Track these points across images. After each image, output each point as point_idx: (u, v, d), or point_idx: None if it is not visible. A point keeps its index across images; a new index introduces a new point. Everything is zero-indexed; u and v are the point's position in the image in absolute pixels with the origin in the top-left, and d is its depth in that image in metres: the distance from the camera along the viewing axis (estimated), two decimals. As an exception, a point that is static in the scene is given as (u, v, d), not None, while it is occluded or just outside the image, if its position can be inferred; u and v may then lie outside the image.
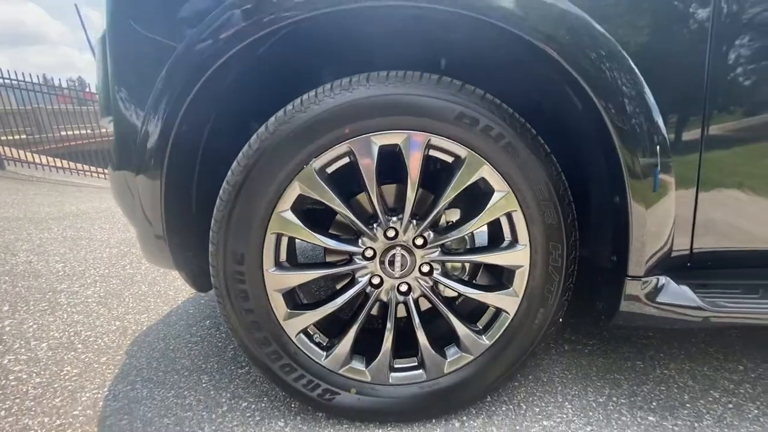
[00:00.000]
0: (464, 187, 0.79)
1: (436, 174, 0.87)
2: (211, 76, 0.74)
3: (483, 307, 0.89)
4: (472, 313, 0.93)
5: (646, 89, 0.69)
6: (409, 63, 0.79)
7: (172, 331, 1.33)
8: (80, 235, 2.75)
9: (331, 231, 0.92)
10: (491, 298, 0.85)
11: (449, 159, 0.79)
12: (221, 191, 0.77)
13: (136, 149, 0.80)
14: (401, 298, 0.86)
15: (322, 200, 0.78)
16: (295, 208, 0.79)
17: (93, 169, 6.40)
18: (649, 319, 0.78)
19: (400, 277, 0.85)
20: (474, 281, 1.04)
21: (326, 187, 0.77)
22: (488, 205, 0.79)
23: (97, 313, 1.49)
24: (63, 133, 8.57)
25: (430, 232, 0.83)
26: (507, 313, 0.85)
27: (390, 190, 0.91)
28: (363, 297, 0.86)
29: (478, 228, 0.82)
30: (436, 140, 0.76)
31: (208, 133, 0.86)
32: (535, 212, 0.79)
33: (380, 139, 0.76)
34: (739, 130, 0.73)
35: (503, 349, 0.86)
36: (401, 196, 0.83)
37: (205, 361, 1.15)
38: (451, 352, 0.88)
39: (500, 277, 0.90)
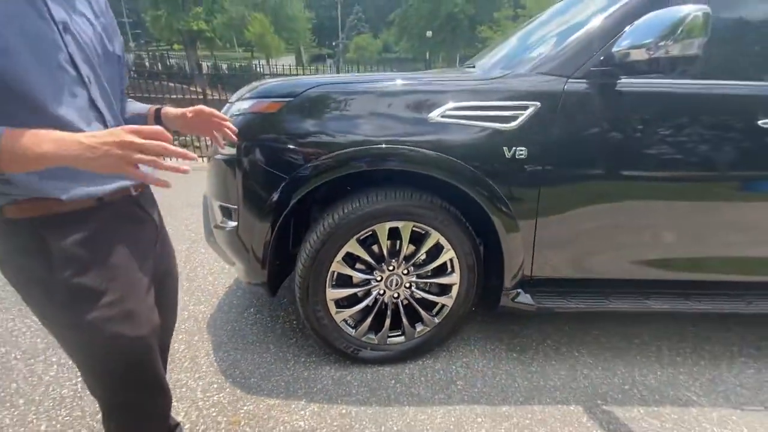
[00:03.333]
0: (429, 246, 1.54)
1: (415, 237, 1.61)
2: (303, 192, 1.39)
3: (435, 303, 1.68)
4: (429, 306, 1.72)
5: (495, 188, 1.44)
6: (403, 181, 1.50)
7: (231, 317, 1.97)
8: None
9: (357, 266, 1.63)
10: (440, 299, 1.65)
11: (423, 231, 1.53)
12: (308, 248, 1.44)
13: (258, 217, 1.42)
14: (394, 300, 1.62)
15: (357, 254, 1.50)
16: (342, 257, 1.49)
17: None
18: (514, 309, 1.63)
19: (394, 290, 1.60)
20: (430, 291, 1.82)
21: (360, 247, 1.49)
22: (441, 254, 1.56)
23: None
24: None
25: (411, 267, 1.59)
26: (447, 306, 1.65)
27: (391, 244, 1.63)
28: (373, 301, 1.61)
29: (436, 264, 1.59)
30: (417, 226, 1.50)
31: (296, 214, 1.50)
32: (462, 257, 1.57)
33: (390, 225, 1.48)
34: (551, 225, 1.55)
35: (445, 324, 1.67)
36: (397, 249, 1.57)
37: (265, 336, 1.83)
38: (419, 327, 1.67)
39: (444, 288, 1.69)
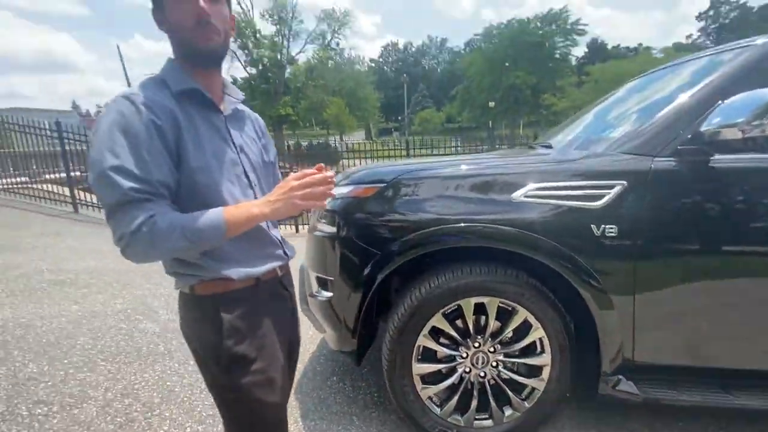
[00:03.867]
0: (517, 323, 1.52)
1: (503, 313, 1.61)
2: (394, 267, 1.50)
3: (525, 385, 1.61)
4: (518, 388, 1.64)
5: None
6: (494, 256, 1.55)
7: (316, 384, 2.04)
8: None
9: (441, 340, 1.65)
10: (530, 382, 1.57)
11: (510, 308, 1.53)
12: (396, 320, 1.52)
13: (351, 288, 1.55)
14: (481, 379, 1.59)
15: (443, 328, 1.53)
16: (428, 331, 1.53)
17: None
18: (615, 398, 1.49)
19: (480, 368, 1.58)
20: (519, 371, 1.75)
21: (446, 322, 1.52)
22: (529, 333, 1.53)
23: (254, 367, 2.21)
24: None
25: (498, 344, 1.57)
26: (538, 389, 1.56)
27: (477, 319, 1.65)
28: (459, 379, 1.59)
29: (524, 344, 1.55)
30: (504, 302, 1.51)
31: (378, 285, 1.62)
32: (553, 336, 1.52)
33: (475, 300, 1.51)
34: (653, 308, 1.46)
35: (536, 410, 1.57)
36: (483, 324, 1.57)
37: (348, 407, 1.86)
38: (507, 411, 1.59)
39: (534, 369, 1.62)
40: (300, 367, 2.22)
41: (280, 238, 1.00)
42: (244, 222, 0.80)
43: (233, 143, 0.91)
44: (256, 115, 1.07)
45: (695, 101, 1.44)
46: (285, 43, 27.93)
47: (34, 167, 8.74)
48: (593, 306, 1.43)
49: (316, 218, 1.81)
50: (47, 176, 8.72)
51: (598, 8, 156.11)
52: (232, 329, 0.86)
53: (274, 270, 0.96)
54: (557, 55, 39.98)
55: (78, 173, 7.83)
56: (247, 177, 0.92)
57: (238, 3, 26.61)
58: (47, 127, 7.07)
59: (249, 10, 26.94)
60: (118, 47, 29.46)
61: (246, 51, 26.99)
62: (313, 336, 2.56)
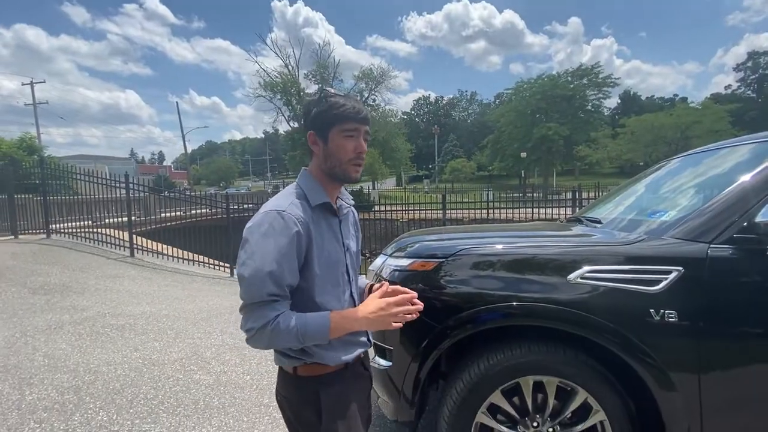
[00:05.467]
0: (576, 405, 1.53)
1: (561, 393, 1.61)
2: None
3: (586, 471, 1.57)
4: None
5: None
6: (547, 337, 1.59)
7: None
8: (237, 344, 3.60)
9: (499, 417, 1.66)
10: (592, 467, 1.53)
11: (569, 388, 1.54)
12: (455, 395, 1.56)
13: (411, 358, 1.62)
14: (540, 461, 1.57)
15: (502, 406, 1.55)
16: (486, 408, 1.56)
17: (203, 258, 7.62)
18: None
19: (540, 450, 1.56)
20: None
21: (506, 400, 1.55)
22: (590, 415, 1.52)
23: (305, 429, 2.26)
24: (162, 215, 10.37)
25: (558, 426, 1.56)
26: (601, 477, 1.52)
27: (536, 398, 1.65)
28: (519, 458, 1.58)
29: (585, 426, 1.54)
30: (563, 382, 1.53)
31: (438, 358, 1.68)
32: (615, 421, 1.50)
33: (533, 379, 1.54)
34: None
35: (600, 499, 1.52)
36: (542, 403, 1.58)
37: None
38: (569, 497, 1.54)
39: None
40: None
41: None
42: (344, 332, 0.94)
43: (343, 243, 1.05)
44: (353, 209, 1.22)
45: (750, 189, 1.50)
46: (326, 100, 30.04)
47: (96, 212, 9.64)
48: (656, 388, 1.42)
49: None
50: (107, 220, 9.58)
51: (628, 61, 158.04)
52: (328, 409, 0.97)
53: (359, 355, 1.07)
54: (589, 107, 40.33)
55: (135, 218, 8.54)
56: (348, 274, 1.06)
57: (285, 65, 29.25)
58: (116, 178, 7.87)
59: (294, 71, 29.49)
60: (177, 104, 32.69)
61: (290, 107, 29.18)
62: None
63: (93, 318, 4.17)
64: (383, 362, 1.76)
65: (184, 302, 5.06)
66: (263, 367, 3.09)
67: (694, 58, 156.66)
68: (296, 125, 29.57)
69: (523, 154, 36.89)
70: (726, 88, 53.78)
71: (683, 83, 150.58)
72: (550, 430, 1.56)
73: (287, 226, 0.91)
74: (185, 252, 7.80)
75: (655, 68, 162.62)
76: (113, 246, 7.87)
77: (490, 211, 9.54)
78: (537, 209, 9.87)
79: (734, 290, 1.42)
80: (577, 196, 8.25)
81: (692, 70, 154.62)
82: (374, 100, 31.23)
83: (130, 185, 7.74)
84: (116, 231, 8.36)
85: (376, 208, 10.63)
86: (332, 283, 1.01)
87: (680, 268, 1.44)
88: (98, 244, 7.97)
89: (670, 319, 1.40)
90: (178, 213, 10.81)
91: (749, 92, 48.98)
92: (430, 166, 58.61)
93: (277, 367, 1.06)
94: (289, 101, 28.79)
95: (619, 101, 56.56)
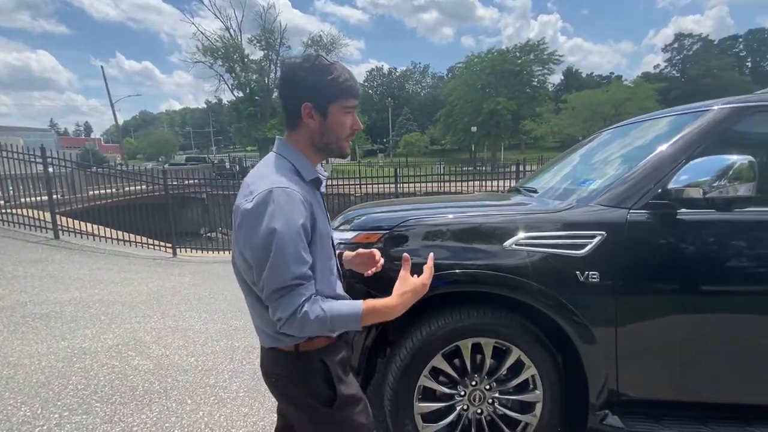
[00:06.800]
0: (510, 362, 1.63)
1: (497, 351, 1.71)
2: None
3: (519, 421, 1.70)
4: (513, 423, 1.73)
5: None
6: (489, 300, 1.66)
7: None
8: (181, 325, 3.47)
9: (441, 379, 1.73)
10: (524, 417, 1.67)
11: (504, 347, 1.64)
12: (398, 362, 1.60)
13: (358, 333, 1.63)
14: (478, 416, 1.67)
15: (443, 368, 1.62)
16: (429, 371, 1.62)
17: (142, 239, 7.11)
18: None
19: (477, 406, 1.66)
20: (513, 408, 1.84)
21: (446, 362, 1.62)
22: (523, 371, 1.64)
23: (254, 406, 2.23)
24: (90, 193, 9.45)
25: (494, 382, 1.66)
26: (531, 424, 1.66)
27: (474, 358, 1.74)
28: (458, 416, 1.67)
29: (518, 381, 1.66)
30: (499, 342, 1.62)
31: (385, 327, 1.70)
32: (545, 375, 1.63)
33: (472, 341, 1.61)
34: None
35: (530, 444, 1.66)
36: (480, 363, 1.67)
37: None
38: (504, 446, 1.67)
39: (527, 406, 1.71)
40: (299, 404, 2.25)
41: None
42: (376, 321, 0.94)
43: (332, 242, 1.07)
44: None
45: (664, 159, 1.63)
46: (272, 67, 28.36)
47: (11, 190, 8.53)
48: (578, 342, 1.55)
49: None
50: (23, 200, 8.53)
51: (570, 38, 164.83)
52: (338, 376, 0.99)
53: None
54: (535, 83, 41.87)
55: (59, 196, 7.69)
56: (333, 245, 1.06)
57: (226, 29, 27.05)
58: (31, 151, 6.96)
59: (237, 35, 27.37)
60: (102, 68, 29.37)
61: (233, 75, 27.25)
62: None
63: (11, 308, 3.76)
64: (329, 335, 1.76)
65: (120, 286, 4.72)
66: (209, 347, 2.99)
67: (628, 38, 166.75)
68: (241, 94, 27.81)
69: (474, 129, 37.79)
70: (655, 67, 58.08)
71: (619, 62, 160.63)
72: (487, 387, 1.66)
73: (296, 204, 0.87)
74: (121, 232, 7.23)
75: (594, 46, 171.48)
76: (33, 228, 7.07)
77: (443, 184, 9.76)
78: (486, 182, 10.23)
79: (648, 251, 1.55)
80: (521, 169, 8.63)
81: (627, 50, 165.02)
82: (324, 70, 29.99)
83: (50, 159, 6.90)
84: (36, 211, 7.51)
85: (330, 182, 10.44)
86: (329, 270, 1.00)
87: (603, 232, 1.55)
88: (14, 226, 7.12)
89: (593, 280, 1.52)
90: (111, 190, 9.89)
91: (675, 72, 53.29)
92: (385, 140, 58.29)
93: (258, 347, 1.05)
94: (232, 68, 26.84)
95: (563, 78, 59.20)
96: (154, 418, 2.11)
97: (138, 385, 2.44)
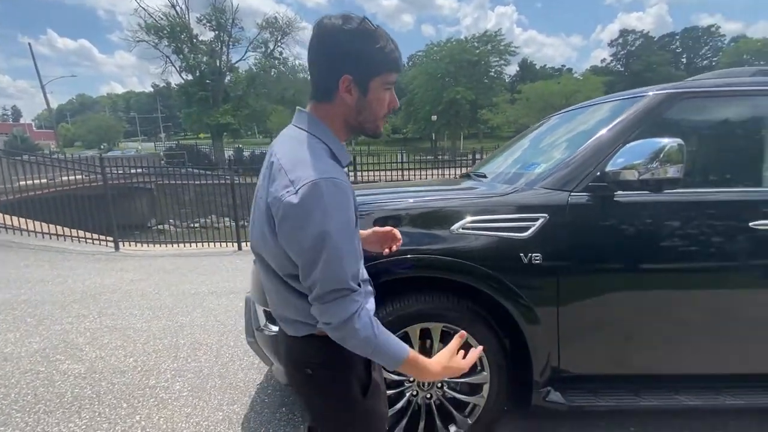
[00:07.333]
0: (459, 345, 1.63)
1: (445, 335, 1.71)
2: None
3: (467, 403, 1.72)
4: (461, 406, 1.75)
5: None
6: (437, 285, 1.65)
7: (264, 418, 2.00)
8: (120, 324, 3.22)
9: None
10: (472, 399, 1.68)
11: (452, 332, 1.64)
12: (344, 354, 1.55)
13: None
14: (427, 401, 1.67)
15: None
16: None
17: (79, 233, 6.54)
18: (545, 409, 1.65)
19: (426, 391, 1.66)
20: (461, 390, 1.86)
21: (394, 349, 1.59)
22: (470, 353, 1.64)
23: (198, 405, 2.10)
24: (20, 183, 8.54)
25: (442, 367, 1.66)
26: (479, 406, 1.68)
27: (424, 343, 1.73)
28: (407, 402, 1.66)
29: (465, 364, 1.66)
30: (447, 326, 1.61)
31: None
32: (491, 356, 1.65)
33: (421, 326, 1.60)
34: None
35: (478, 425, 1.69)
36: (428, 348, 1.66)
37: (298, 439, 1.85)
38: (452, 428, 1.69)
39: (475, 388, 1.74)
40: (246, 399, 2.16)
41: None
42: (410, 370, 0.85)
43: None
44: None
45: (603, 143, 1.67)
46: (224, 49, 26.82)
47: None
48: (523, 324, 1.58)
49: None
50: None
51: (526, 30, 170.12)
52: (364, 364, 0.91)
53: None
54: (492, 73, 42.87)
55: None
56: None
57: (172, 5, 25.15)
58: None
59: (184, 14, 25.52)
60: (30, 45, 26.46)
61: (181, 56, 25.47)
62: (259, 366, 2.49)
63: None
64: (273, 327, 1.67)
65: (52, 284, 4.31)
66: (150, 346, 2.80)
67: (578, 32, 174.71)
68: (190, 77, 26.12)
69: (434, 117, 38.17)
70: (602, 61, 61.28)
71: (570, 55, 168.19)
72: (436, 371, 1.66)
73: (347, 197, 0.78)
74: (54, 226, 6.60)
75: (548, 39, 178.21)
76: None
77: (404, 172, 9.78)
78: (446, 170, 10.38)
79: (588, 232, 1.60)
80: (477, 158, 8.82)
81: (577, 43, 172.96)
82: (281, 53, 28.86)
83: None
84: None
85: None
86: (360, 255, 0.88)
87: (546, 215, 1.57)
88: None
89: (536, 262, 1.54)
90: (44, 181, 8.97)
91: (619, 66, 56.58)
92: (346, 128, 57.27)
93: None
94: (180, 49, 25.04)
95: (518, 69, 61.06)
96: (83, 426, 1.93)
97: (66, 391, 2.23)
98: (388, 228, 1.20)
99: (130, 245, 6.72)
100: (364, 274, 0.93)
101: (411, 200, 1.71)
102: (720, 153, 1.79)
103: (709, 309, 1.64)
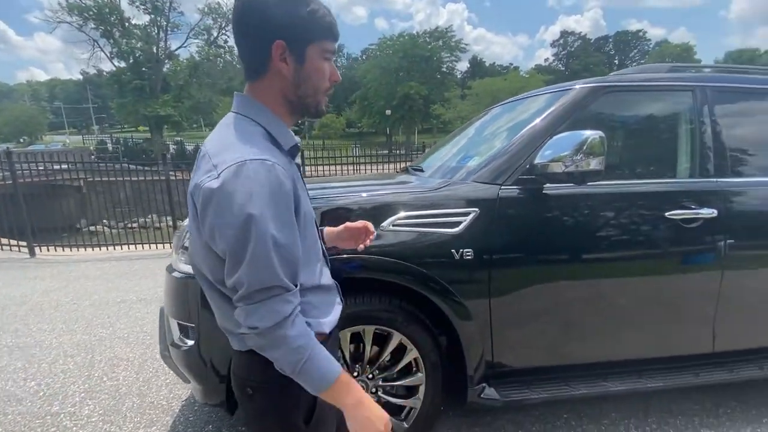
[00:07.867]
0: (392, 347, 1.56)
1: (378, 337, 1.63)
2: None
3: (403, 406, 1.65)
4: (397, 410, 1.68)
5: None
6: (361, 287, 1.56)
7: (187, 439, 1.81)
8: (23, 342, 2.82)
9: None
10: (407, 402, 1.62)
11: (385, 333, 1.56)
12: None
13: (219, 333, 1.40)
14: (361, 407, 1.58)
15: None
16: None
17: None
18: (482, 405, 1.63)
19: (360, 397, 1.57)
20: (397, 394, 1.79)
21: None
22: (405, 355, 1.58)
23: (108, 431, 1.87)
24: None
25: (377, 371, 1.58)
26: (415, 408, 1.63)
27: (356, 347, 1.63)
28: (340, 410, 1.56)
29: (401, 366, 1.60)
30: (380, 328, 1.53)
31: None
32: (427, 357, 1.59)
33: (351, 331, 1.50)
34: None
35: (415, 427, 1.63)
36: (361, 352, 1.57)
37: (224, 459, 1.69)
38: (388, 434, 1.61)
39: (411, 390, 1.67)
40: (168, 420, 1.95)
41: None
42: (335, 396, 0.73)
43: (318, 226, 0.88)
44: None
45: (533, 135, 1.66)
46: (162, 35, 24.85)
47: None
48: (456, 320, 1.53)
49: (176, 255, 1.60)
50: None
51: (476, 28, 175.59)
52: None
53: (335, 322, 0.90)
54: (444, 69, 43.70)
55: None
56: (317, 225, 0.87)
57: (100, -16, 22.86)
58: None
59: (114, -7, 23.29)
60: None
61: (111, 41, 23.25)
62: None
63: None
64: (188, 341, 1.50)
65: (-58, 298, 3.72)
66: (58, 366, 2.47)
67: (524, 32, 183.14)
68: (123, 64, 23.96)
69: (388, 112, 38.28)
70: (545, 60, 64.86)
71: (517, 53, 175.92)
72: (370, 375, 1.58)
73: (280, 181, 0.67)
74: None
75: (496, 37, 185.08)
76: None
77: (358, 166, 9.66)
78: (399, 164, 10.38)
79: (518, 226, 1.58)
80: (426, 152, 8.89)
81: (523, 42, 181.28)
82: (226, 42, 27.30)
83: None
84: None
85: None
86: (315, 256, 0.82)
87: (476, 209, 1.53)
88: None
89: (467, 257, 1.50)
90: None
91: (561, 66, 60.07)
92: (300, 123, 56.04)
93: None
94: (110, 33, 22.85)
95: (469, 66, 62.80)
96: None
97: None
98: (361, 222, 1.10)
99: (48, 250, 6.01)
100: (326, 278, 0.86)
101: (342, 198, 1.60)
102: (639, 145, 1.87)
103: (633, 296, 1.70)
